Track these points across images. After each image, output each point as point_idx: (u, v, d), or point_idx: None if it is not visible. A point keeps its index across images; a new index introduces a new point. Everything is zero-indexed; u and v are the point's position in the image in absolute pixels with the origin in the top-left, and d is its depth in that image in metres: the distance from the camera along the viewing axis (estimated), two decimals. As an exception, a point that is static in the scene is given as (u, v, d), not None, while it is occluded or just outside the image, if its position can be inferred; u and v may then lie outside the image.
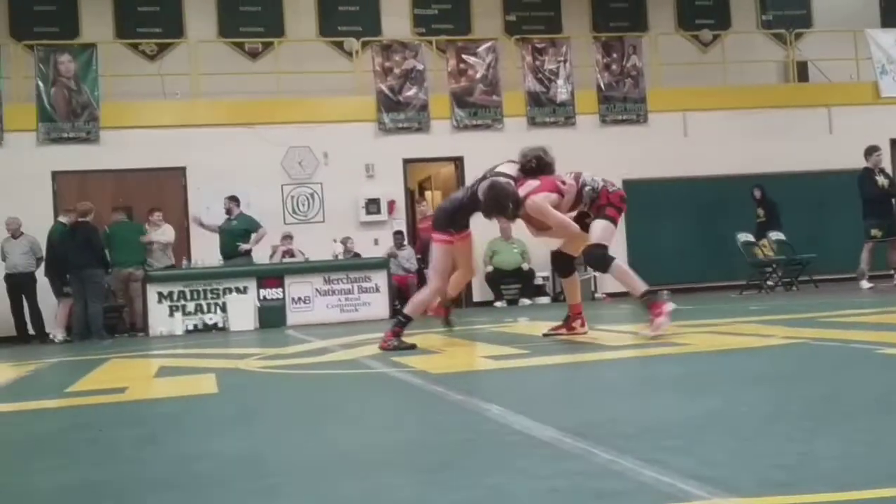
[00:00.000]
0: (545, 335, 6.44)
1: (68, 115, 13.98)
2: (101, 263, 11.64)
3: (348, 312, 12.40)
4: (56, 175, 13.83)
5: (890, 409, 2.64)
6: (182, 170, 14.26)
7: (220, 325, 12.00)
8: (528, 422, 2.85)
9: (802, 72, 16.81)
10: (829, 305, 8.59)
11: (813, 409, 2.83)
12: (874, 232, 12.09)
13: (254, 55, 15.51)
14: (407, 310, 6.33)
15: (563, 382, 4.35)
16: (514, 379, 4.49)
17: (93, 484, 2.44)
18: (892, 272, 12.40)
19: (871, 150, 12.46)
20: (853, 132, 14.74)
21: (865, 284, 11.96)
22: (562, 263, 6.52)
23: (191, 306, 12.05)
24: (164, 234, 13.00)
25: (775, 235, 13.75)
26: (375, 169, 14.80)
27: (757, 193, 14.32)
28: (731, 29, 17.04)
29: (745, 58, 16.53)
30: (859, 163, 12.54)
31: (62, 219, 12.40)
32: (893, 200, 12.50)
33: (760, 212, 14.27)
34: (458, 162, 15.14)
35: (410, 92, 14.98)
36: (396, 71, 14.99)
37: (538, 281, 14.78)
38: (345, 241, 13.71)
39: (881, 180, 12.29)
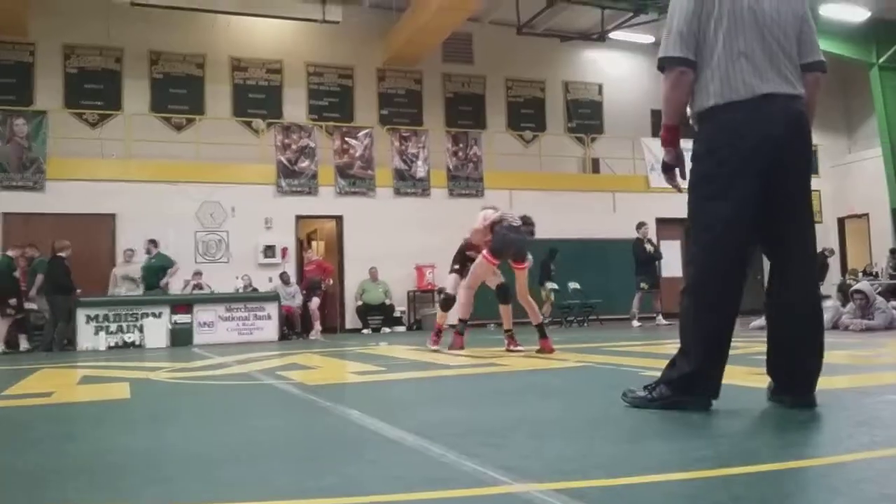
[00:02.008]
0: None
1: (19, 168, 13.09)
2: (63, 290, 10.93)
3: (245, 335, 11.97)
4: (5, 216, 12.90)
5: (647, 419, 2.75)
6: (113, 216, 13.54)
7: (138, 343, 11.35)
8: (380, 424, 2.82)
9: (595, 165, 17.57)
10: (609, 338, 8.94)
11: (591, 417, 2.92)
12: (643, 284, 12.67)
13: (178, 128, 14.97)
14: (461, 316, 7.30)
15: (411, 393, 4.33)
16: (372, 390, 4.45)
17: (16, 470, 2.27)
18: (654, 315, 13.02)
19: (640, 225, 13.10)
20: (630, 211, 15.49)
21: (636, 324, 12.50)
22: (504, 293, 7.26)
23: (113, 327, 11.35)
24: (132, 269, 12.54)
25: (551, 286, 14.12)
26: (273, 222, 14.47)
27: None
28: (547, 131, 17.68)
29: (556, 153, 17.18)
30: (633, 234, 13.14)
31: (10, 252, 11.55)
32: (657, 262, 13.18)
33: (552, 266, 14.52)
34: (338, 220, 15.02)
35: (304, 164, 14.79)
36: (293, 147, 14.79)
37: (397, 314, 14.74)
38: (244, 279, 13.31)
39: (649, 247, 12.95)
